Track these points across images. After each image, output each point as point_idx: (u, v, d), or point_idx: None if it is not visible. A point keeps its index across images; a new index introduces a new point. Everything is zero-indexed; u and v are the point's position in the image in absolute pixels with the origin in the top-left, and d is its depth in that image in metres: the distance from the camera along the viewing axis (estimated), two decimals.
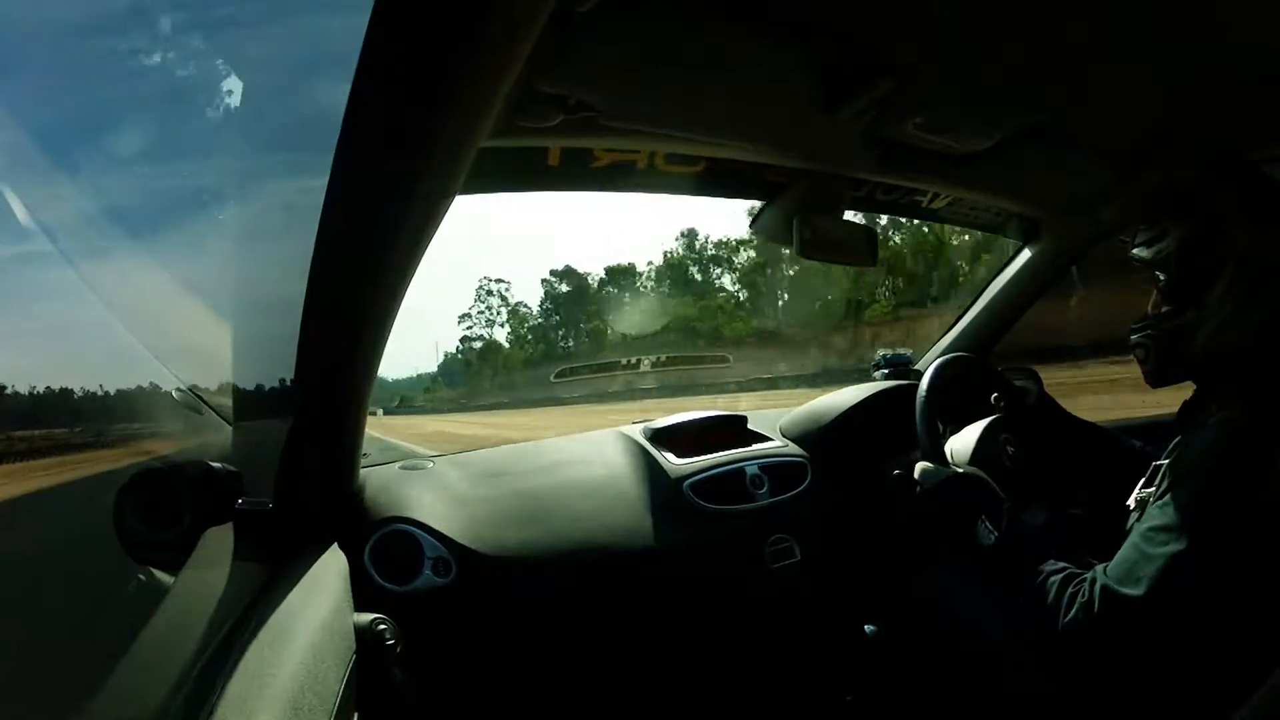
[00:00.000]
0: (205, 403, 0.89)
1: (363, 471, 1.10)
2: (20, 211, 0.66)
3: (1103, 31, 0.88)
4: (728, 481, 1.31)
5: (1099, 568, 0.83)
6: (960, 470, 1.11)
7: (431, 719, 0.91)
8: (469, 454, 1.40)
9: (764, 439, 1.46)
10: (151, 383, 0.85)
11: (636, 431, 1.40)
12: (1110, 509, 1.00)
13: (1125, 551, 0.82)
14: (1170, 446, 0.90)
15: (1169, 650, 0.80)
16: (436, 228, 0.69)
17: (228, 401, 0.91)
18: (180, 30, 0.84)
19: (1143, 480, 0.95)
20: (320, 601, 0.71)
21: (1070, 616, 0.82)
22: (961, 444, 1.21)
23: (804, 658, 1.32)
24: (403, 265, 0.70)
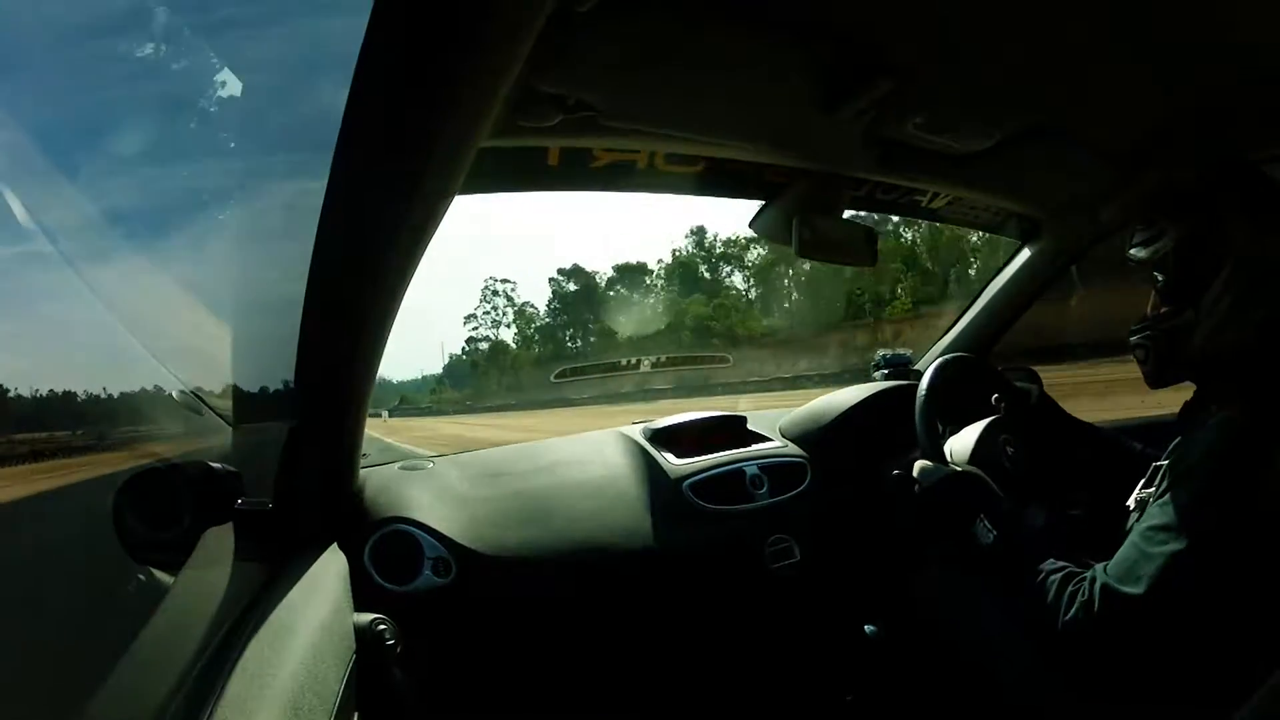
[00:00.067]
0: (205, 403, 0.89)
1: (362, 472, 1.10)
2: (20, 212, 0.66)
3: (1103, 31, 0.88)
4: (727, 482, 1.31)
5: (1099, 566, 0.83)
6: (959, 469, 1.11)
7: (431, 719, 0.91)
8: (469, 454, 1.40)
9: (763, 439, 1.46)
10: (152, 384, 0.85)
11: (636, 432, 1.40)
12: (1110, 510, 1.00)
13: (1125, 551, 0.82)
14: (1170, 447, 0.90)
15: (1169, 649, 0.80)
16: (436, 228, 0.69)
17: (228, 402, 0.91)
18: (180, 31, 0.84)
19: (1142, 481, 0.95)
20: (320, 601, 0.71)
21: (1070, 615, 0.82)
22: (961, 444, 1.21)
23: (804, 658, 1.32)
24: (403, 265, 0.70)
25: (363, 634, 0.74)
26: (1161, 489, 0.84)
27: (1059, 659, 0.88)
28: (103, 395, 0.78)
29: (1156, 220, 0.92)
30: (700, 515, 1.26)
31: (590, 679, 1.16)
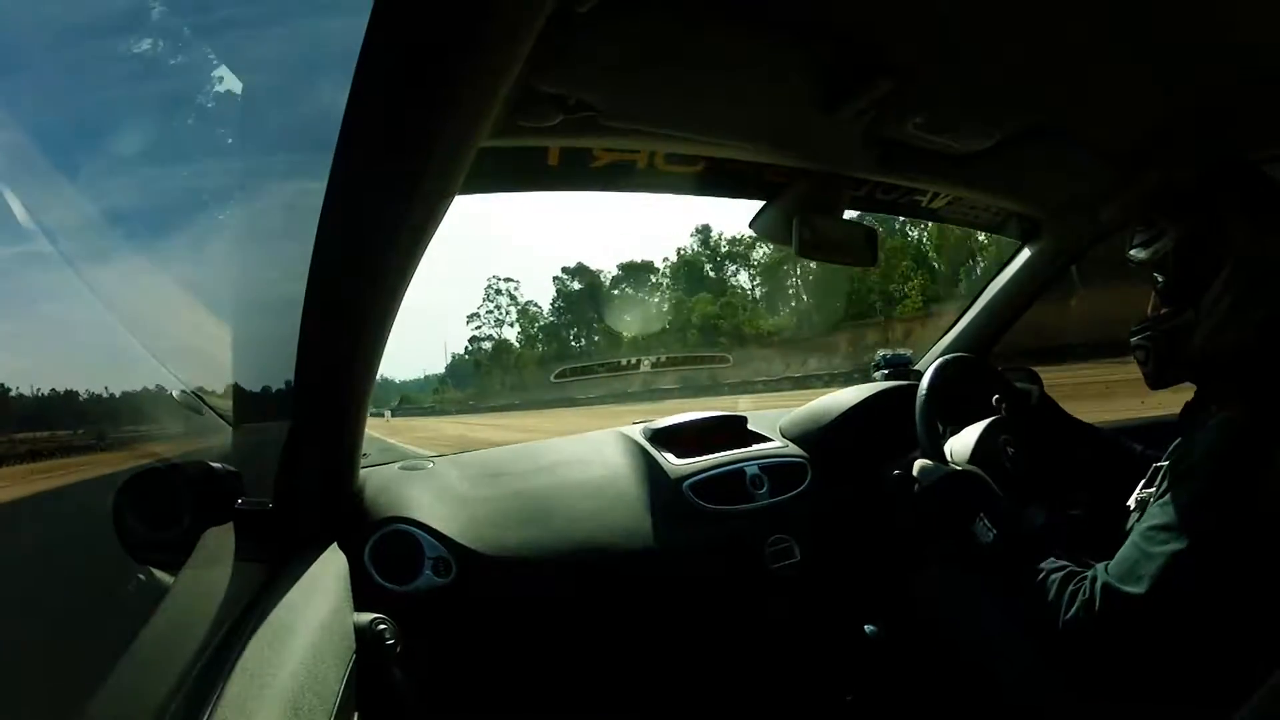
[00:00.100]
0: (206, 403, 0.89)
1: (363, 472, 1.10)
2: (20, 212, 0.66)
3: (1103, 31, 0.88)
4: (727, 482, 1.31)
5: (1100, 566, 0.83)
6: (959, 468, 1.11)
7: (431, 719, 0.91)
8: (469, 454, 1.40)
9: (764, 439, 1.45)
10: (152, 384, 0.85)
11: (636, 432, 1.40)
12: (1110, 511, 1.00)
13: (1126, 550, 0.82)
14: (1171, 448, 0.90)
15: (1169, 649, 0.80)
16: (436, 228, 0.69)
17: (228, 402, 0.91)
18: (180, 31, 0.84)
19: (1143, 481, 0.95)
20: (320, 601, 0.71)
21: (1071, 614, 0.82)
22: (961, 444, 1.21)
23: (804, 658, 1.32)
24: (403, 265, 0.70)
25: (363, 634, 0.74)
26: (1162, 489, 0.84)
27: (1059, 658, 0.88)
28: (103, 395, 0.78)
29: (1156, 220, 0.92)
30: (700, 515, 1.26)
31: (590, 679, 1.16)
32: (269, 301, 0.89)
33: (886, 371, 1.66)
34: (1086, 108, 1.08)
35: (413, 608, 0.96)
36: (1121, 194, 1.32)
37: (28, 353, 0.67)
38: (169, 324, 0.90)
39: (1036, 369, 1.37)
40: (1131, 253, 0.95)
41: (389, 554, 1.04)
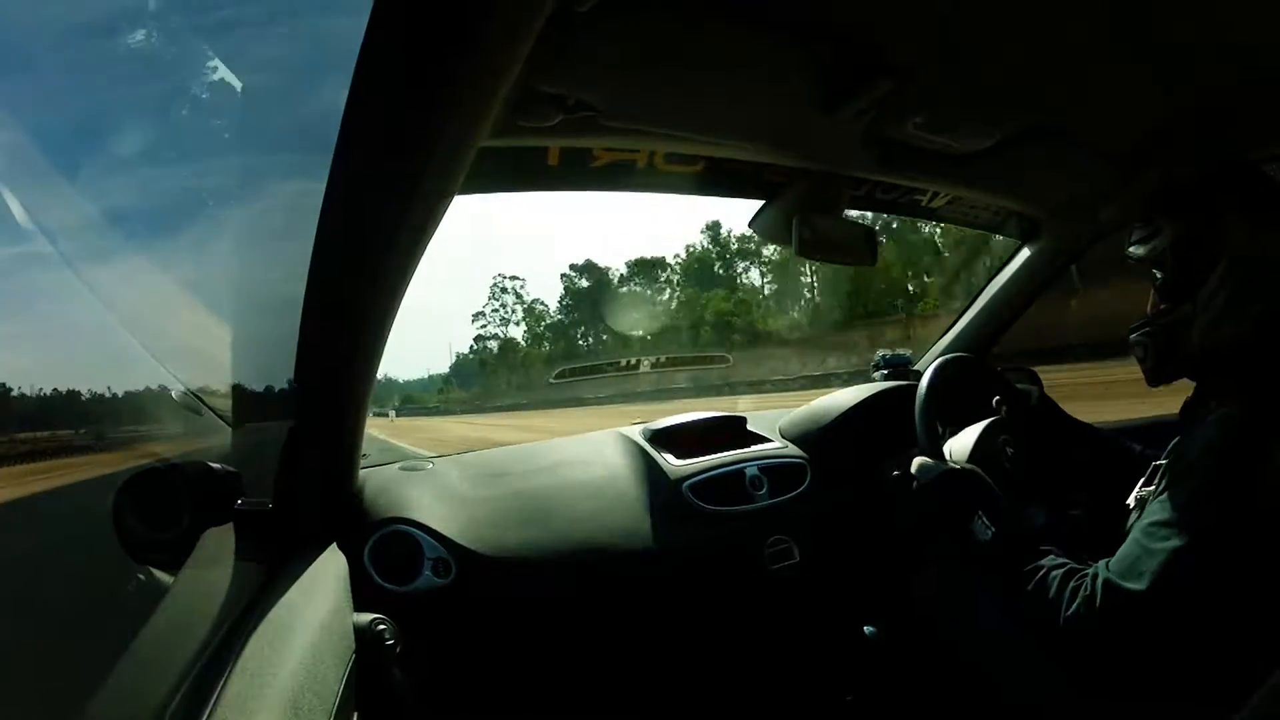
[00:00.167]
0: (205, 404, 0.89)
1: (362, 472, 1.10)
2: (20, 212, 0.66)
3: (1103, 31, 0.88)
4: (727, 482, 1.31)
5: (1101, 563, 0.83)
6: (957, 466, 1.11)
7: (431, 719, 0.91)
8: (469, 454, 1.40)
9: (763, 440, 1.45)
10: (152, 384, 0.85)
11: (636, 432, 1.40)
12: (1109, 510, 1.00)
13: (1127, 547, 0.82)
14: (1170, 446, 0.90)
15: (1170, 646, 0.80)
16: (436, 228, 0.69)
17: (228, 402, 0.91)
18: (180, 31, 0.84)
19: (1142, 480, 0.95)
20: (320, 601, 0.71)
21: (1072, 610, 0.82)
22: (960, 445, 1.21)
23: (803, 659, 1.32)
24: (403, 265, 0.70)
25: (362, 634, 0.74)
26: (1162, 486, 0.84)
27: (1059, 656, 0.88)
28: (102, 395, 0.78)
29: (1155, 218, 0.92)
30: (700, 516, 1.26)
31: (590, 680, 1.16)
32: (269, 302, 0.89)
33: (886, 372, 1.67)
34: (1086, 108, 1.08)
35: (412, 608, 0.96)
36: (1121, 194, 1.32)
37: (28, 353, 0.67)
38: (169, 324, 0.90)
39: (1036, 369, 1.37)
40: (1130, 250, 0.95)
41: (389, 554, 1.04)
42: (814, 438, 1.46)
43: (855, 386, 1.57)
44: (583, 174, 1.13)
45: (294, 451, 0.83)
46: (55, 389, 0.70)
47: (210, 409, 0.89)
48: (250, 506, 0.79)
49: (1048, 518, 1.12)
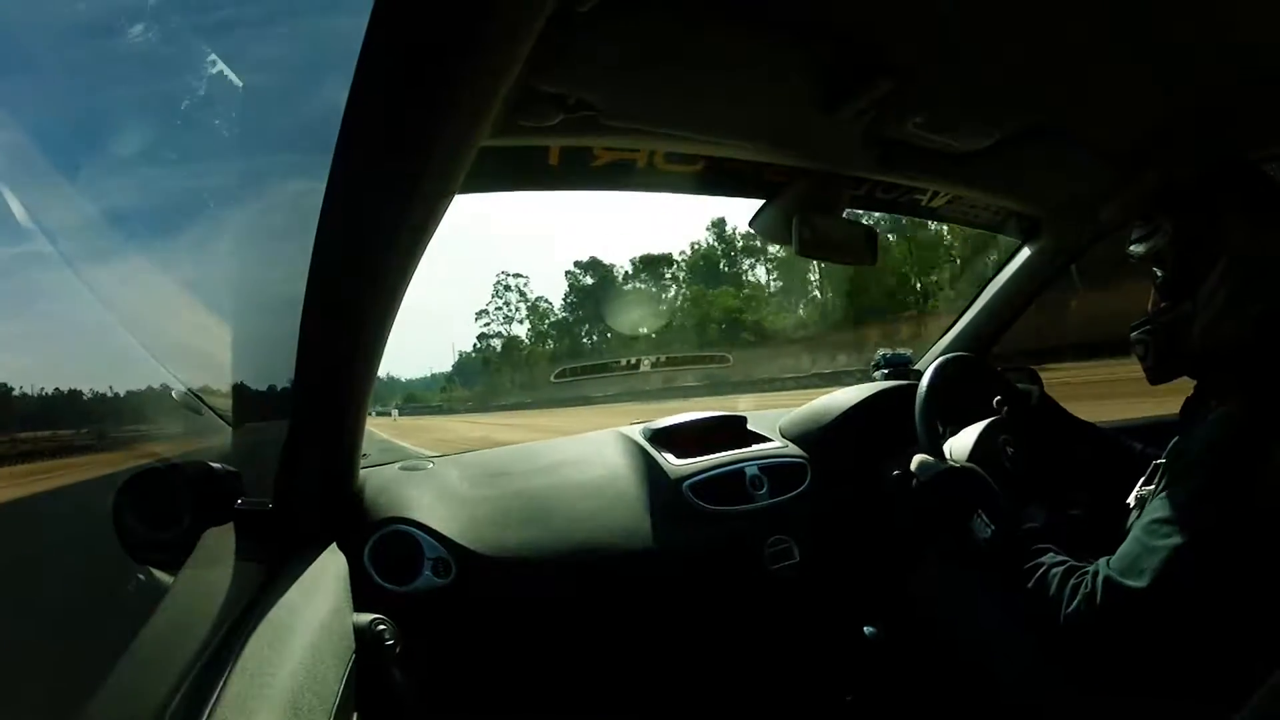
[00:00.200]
0: (205, 403, 0.89)
1: (363, 472, 1.10)
2: (20, 212, 0.66)
3: (1103, 31, 0.88)
4: (727, 482, 1.31)
5: (1102, 560, 0.83)
6: (957, 465, 1.11)
7: (431, 719, 0.91)
8: (469, 454, 1.40)
9: (763, 439, 1.45)
10: (152, 383, 0.85)
11: (636, 432, 1.40)
12: (1110, 510, 1.00)
13: (1128, 545, 0.82)
14: (1170, 445, 0.91)
15: (1170, 644, 0.80)
16: (436, 227, 0.69)
17: (228, 402, 0.91)
18: (180, 31, 0.84)
19: (1142, 479, 0.95)
20: (320, 601, 0.71)
21: (1072, 608, 0.82)
22: (960, 444, 1.21)
23: (804, 659, 1.32)
24: (403, 265, 0.70)
25: (362, 634, 0.74)
26: (1163, 484, 0.84)
27: (1059, 654, 0.88)
28: (103, 395, 0.78)
29: (1155, 216, 0.93)
30: (700, 516, 1.26)
31: (590, 680, 1.16)
32: (269, 301, 0.89)
33: (886, 371, 1.67)
34: (1086, 108, 1.08)
35: (412, 608, 0.96)
36: (1121, 193, 1.32)
37: (27, 353, 0.67)
38: (169, 324, 0.90)
39: (1036, 368, 1.37)
40: (1131, 248, 0.95)
41: (389, 554, 1.04)
42: (814, 437, 1.46)
43: (855, 386, 1.57)
44: (583, 173, 1.13)
45: (294, 451, 0.83)
46: (55, 389, 0.70)
47: (210, 409, 0.89)
48: (250, 506, 0.79)
49: (1047, 518, 1.12)
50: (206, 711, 0.47)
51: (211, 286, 0.92)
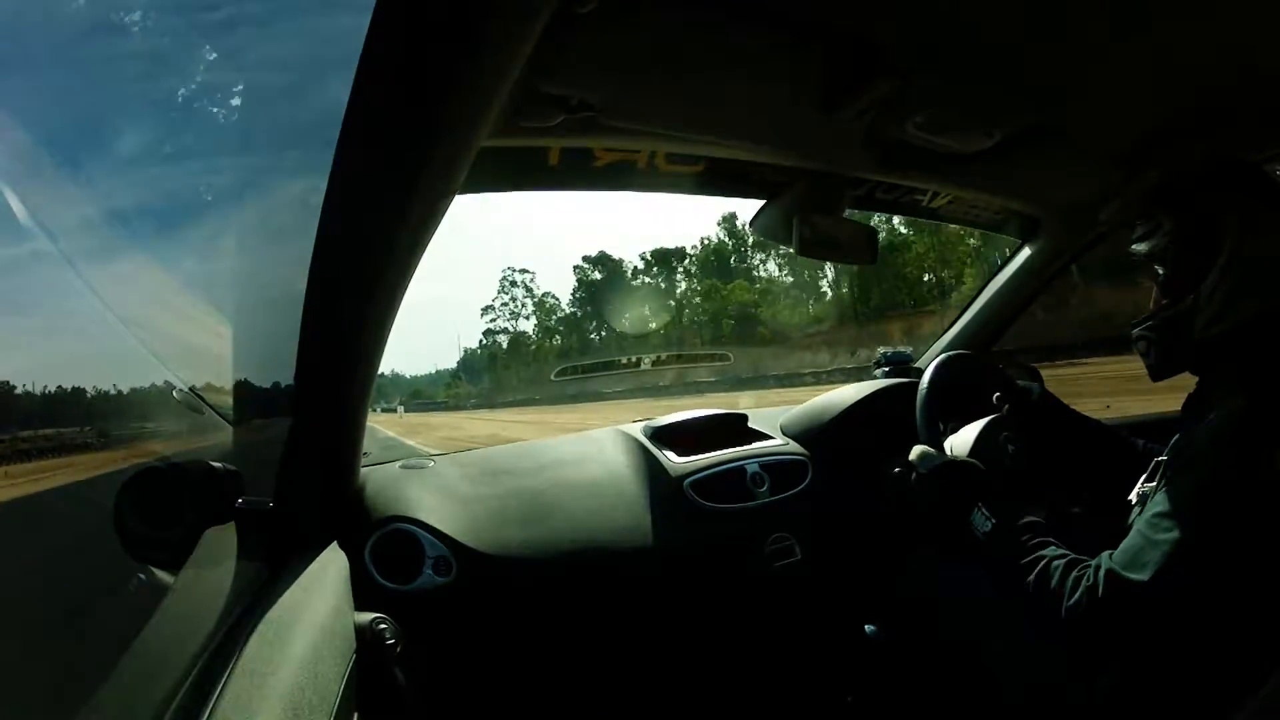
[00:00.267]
0: (205, 403, 0.89)
1: (363, 471, 1.10)
2: (20, 211, 0.66)
3: (1103, 31, 0.88)
4: (728, 480, 1.31)
5: (1104, 554, 0.84)
6: (956, 458, 1.11)
7: (432, 718, 0.91)
8: (469, 453, 1.40)
9: (765, 437, 1.46)
10: (152, 382, 0.85)
11: (637, 430, 1.40)
12: (1112, 507, 1.00)
13: (1131, 539, 0.82)
14: (1172, 442, 0.91)
15: (1172, 638, 0.80)
16: (437, 226, 0.69)
17: (228, 401, 0.91)
18: (181, 31, 0.84)
19: (1144, 476, 0.95)
20: (320, 601, 0.71)
21: (1074, 600, 0.82)
22: (961, 442, 1.21)
23: (804, 657, 1.32)
24: (404, 264, 0.70)
25: (363, 633, 0.74)
26: (1165, 480, 0.84)
27: (1060, 644, 0.88)
28: (103, 393, 0.78)
29: (1156, 215, 0.93)
30: (701, 513, 1.26)
31: (591, 678, 1.16)
32: (270, 300, 0.89)
33: (887, 369, 1.67)
34: (1086, 108, 1.08)
35: (413, 607, 0.96)
36: (1121, 194, 1.32)
37: (27, 351, 0.67)
38: (170, 323, 0.90)
39: (1037, 365, 1.37)
40: (1133, 247, 0.95)
41: (390, 553, 1.04)
42: (815, 435, 1.46)
43: (856, 384, 1.57)
44: (584, 174, 1.13)
45: (295, 450, 0.83)
46: (55, 388, 0.70)
47: (211, 408, 0.89)
48: (250, 506, 0.79)
49: (1047, 515, 1.12)
50: (207, 711, 0.47)
51: (212, 285, 0.92)
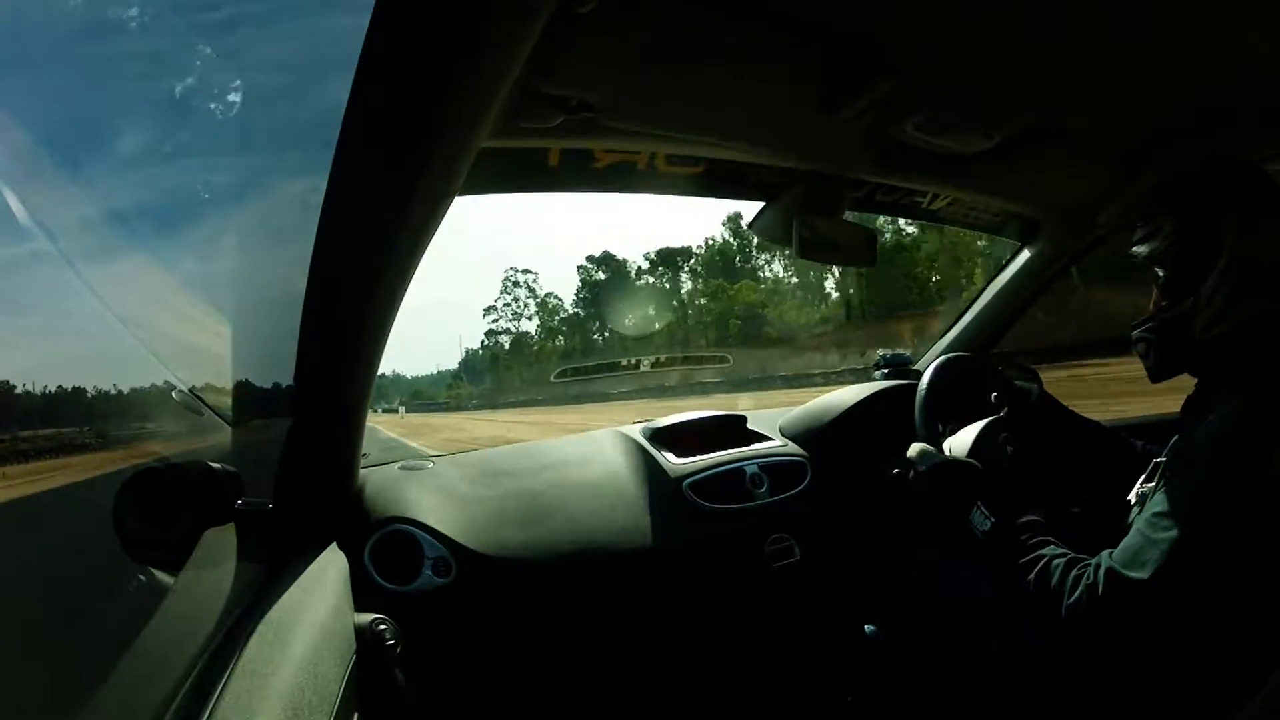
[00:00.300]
0: (205, 403, 0.89)
1: (363, 471, 1.10)
2: (20, 211, 0.66)
3: (1103, 31, 0.88)
4: (727, 481, 1.31)
5: (1104, 553, 0.84)
6: (955, 458, 1.11)
7: (432, 719, 0.91)
8: (469, 454, 1.40)
9: (764, 438, 1.46)
10: (151, 382, 0.85)
11: (636, 431, 1.40)
12: (1111, 507, 1.00)
13: (1131, 538, 0.82)
14: (1172, 443, 0.91)
15: (1172, 637, 0.80)
16: (437, 227, 0.69)
17: (228, 402, 0.91)
18: (181, 30, 0.84)
19: (1143, 476, 0.95)
20: (320, 601, 0.71)
21: (1074, 599, 0.82)
22: (960, 443, 1.21)
23: (804, 657, 1.32)
24: (403, 264, 0.70)
25: (363, 634, 0.74)
26: (1166, 479, 0.84)
27: (1060, 641, 0.88)
28: (102, 394, 0.78)
29: (1156, 217, 0.93)
30: (700, 514, 1.26)
31: (591, 678, 1.16)
32: (269, 301, 0.89)
33: (886, 371, 1.67)
34: (1086, 108, 1.08)
35: (413, 608, 0.96)
36: (1121, 195, 1.32)
37: (26, 351, 0.67)
38: (169, 323, 0.90)
39: (1037, 367, 1.37)
40: (1134, 249, 0.96)
41: (389, 554, 1.04)
42: (814, 436, 1.46)
43: (855, 385, 1.57)
44: (584, 175, 1.14)
45: (294, 451, 0.83)
46: (55, 388, 0.70)
47: (210, 408, 0.89)
48: (250, 506, 0.79)
49: (1045, 518, 1.12)
50: (207, 711, 0.47)
51: (212, 285, 0.92)
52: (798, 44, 0.87)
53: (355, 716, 0.65)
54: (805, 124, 1.05)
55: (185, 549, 0.73)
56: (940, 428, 1.24)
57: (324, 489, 0.93)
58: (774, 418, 1.56)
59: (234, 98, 0.83)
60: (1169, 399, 1.03)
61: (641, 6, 0.76)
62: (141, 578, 0.71)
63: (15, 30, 0.72)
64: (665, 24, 0.80)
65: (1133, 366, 1.02)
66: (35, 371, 0.66)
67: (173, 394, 0.87)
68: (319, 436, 0.86)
